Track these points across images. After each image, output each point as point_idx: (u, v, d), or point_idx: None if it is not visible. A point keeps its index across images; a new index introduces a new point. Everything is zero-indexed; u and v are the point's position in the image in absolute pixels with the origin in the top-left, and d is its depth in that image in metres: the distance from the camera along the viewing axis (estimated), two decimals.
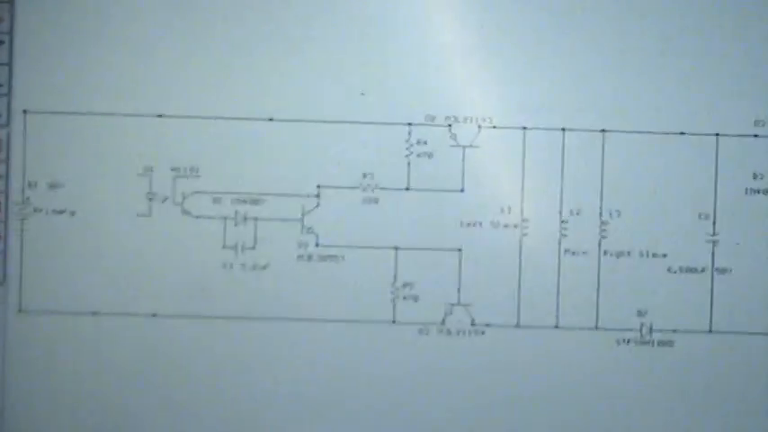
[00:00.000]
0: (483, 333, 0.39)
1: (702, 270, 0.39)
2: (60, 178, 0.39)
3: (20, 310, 0.39)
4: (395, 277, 0.39)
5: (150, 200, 0.39)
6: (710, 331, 0.39)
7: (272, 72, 0.39)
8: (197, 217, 0.39)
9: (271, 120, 0.39)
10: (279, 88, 0.39)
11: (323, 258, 0.39)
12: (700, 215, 0.39)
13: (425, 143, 0.39)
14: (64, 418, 0.39)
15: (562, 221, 0.39)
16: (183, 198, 0.39)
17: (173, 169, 0.39)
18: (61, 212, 0.39)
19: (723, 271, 0.39)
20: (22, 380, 0.39)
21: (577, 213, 0.39)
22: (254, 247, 0.39)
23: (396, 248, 0.39)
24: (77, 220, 0.39)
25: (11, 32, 0.39)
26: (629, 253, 0.39)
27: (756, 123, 0.39)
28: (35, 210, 0.39)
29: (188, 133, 0.39)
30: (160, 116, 0.39)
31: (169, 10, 0.39)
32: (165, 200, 0.39)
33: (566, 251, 0.39)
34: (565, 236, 0.39)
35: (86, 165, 0.39)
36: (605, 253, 0.39)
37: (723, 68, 0.39)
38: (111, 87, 0.39)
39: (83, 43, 0.39)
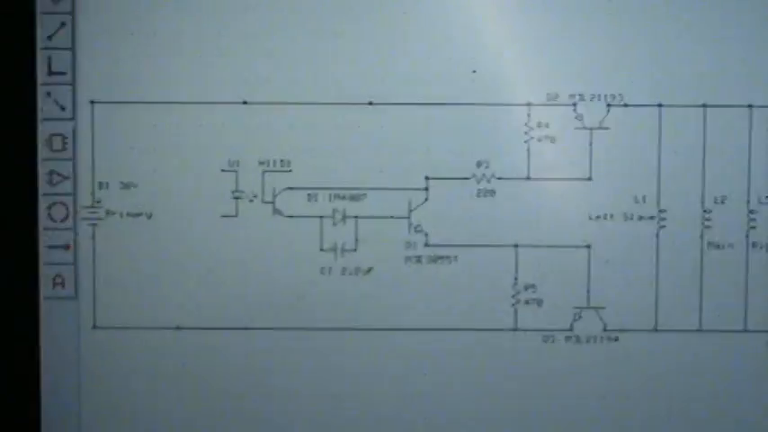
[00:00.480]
0: (616, 339, 0.35)
1: None
2: (134, 177, 0.34)
3: (94, 327, 0.35)
4: (515, 279, 0.35)
5: (236, 198, 0.34)
6: None
7: (371, 51, 0.34)
8: (290, 216, 0.34)
9: (370, 104, 0.34)
10: (379, 68, 0.34)
11: (433, 260, 0.34)
12: None
13: (547, 125, 0.34)
14: None
15: (705, 211, 0.34)
16: (274, 195, 0.34)
17: (261, 163, 0.34)
18: (137, 215, 0.34)
19: None
20: (99, 402, 0.35)
21: (722, 201, 0.34)
22: (355, 249, 0.34)
23: (516, 246, 0.34)
24: (155, 223, 0.34)
25: (72, 13, 0.34)
26: None
27: None
28: (107, 213, 0.35)
29: (277, 122, 0.34)
30: (245, 103, 0.34)
31: None
32: (253, 198, 0.34)
33: (709, 244, 0.35)
34: (708, 227, 0.34)
35: (163, 161, 0.34)
36: (754, 245, 0.35)
37: None
38: (189, 72, 0.34)
39: (156, 23, 0.34)
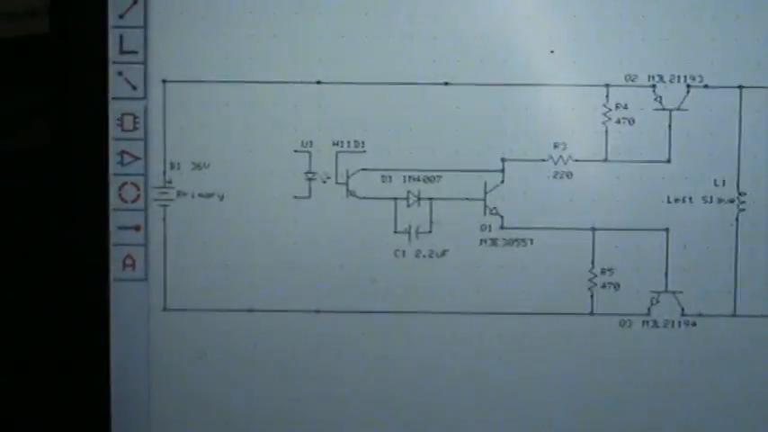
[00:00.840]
0: (695, 324, 0.34)
1: None
2: (206, 157, 0.34)
3: (164, 309, 0.34)
4: (592, 263, 0.34)
5: (310, 180, 0.34)
6: None
7: (445, 30, 0.34)
8: (364, 198, 0.34)
9: (446, 84, 0.34)
10: (454, 48, 0.34)
11: (509, 242, 0.34)
12: None
13: (626, 107, 0.34)
14: (217, 425, 0.35)
15: None
16: (348, 177, 0.34)
17: (335, 144, 0.34)
18: (209, 196, 0.34)
19: None
20: (169, 386, 0.34)
21: None
22: (430, 232, 0.34)
23: (593, 229, 0.34)
24: (227, 204, 0.34)
25: None
26: None
27: None
28: (179, 194, 0.34)
29: (351, 102, 0.34)
30: (319, 83, 0.34)
31: None
32: (326, 179, 0.34)
33: None
34: None
35: (235, 141, 0.34)
36: None
37: None
38: (262, 52, 0.34)
39: (228, 1, 0.34)
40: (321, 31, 0.34)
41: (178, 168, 0.34)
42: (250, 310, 0.34)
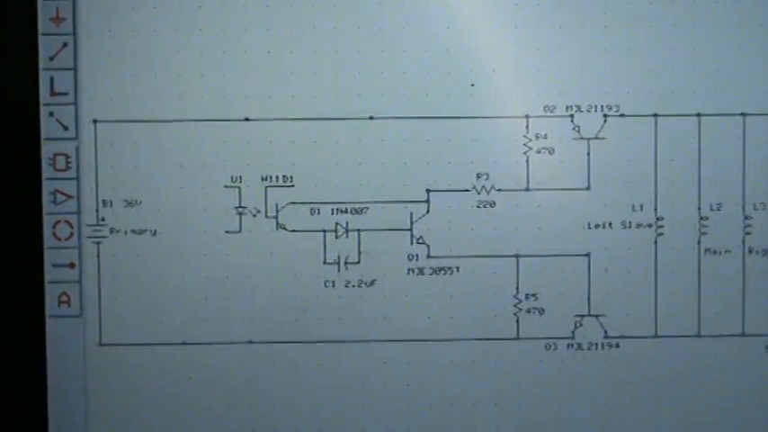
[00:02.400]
0: (617, 346, 0.36)
1: None
2: (138, 194, 0.35)
3: (100, 344, 0.35)
4: (517, 289, 0.35)
5: (240, 214, 0.35)
6: None
7: (371, 66, 0.35)
8: (293, 231, 0.35)
9: (371, 118, 0.35)
10: (379, 83, 0.35)
11: (436, 271, 0.35)
12: None
13: (545, 137, 0.35)
14: None
15: (701, 218, 0.35)
16: (277, 210, 0.35)
17: (263, 179, 0.35)
18: (141, 232, 0.35)
19: None
20: (106, 420, 0.35)
21: (718, 208, 0.35)
22: (358, 262, 0.35)
23: (517, 256, 0.35)
24: (159, 240, 0.35)
25: (74, 33, 0.35)
26: None
27: None
28: (112, 231, 0.35)
29: (279, 137, 0.35)
30: (247, 120, 0.35)
31: (257, 2, 0.35)
32: (256, 213, 0.35)
33: (706, 251, 0.36)
34: (705, 234, 0.35)
35: (166, 178, 0.35)
36: (750, 251, 0.36)
37: None
38: (190, 91, 0.35)
39: (156, 42, 0.35)
40: (248, 68, 0.35)
41: (110, 206, 0.35)
42: (184, 344, 0.35)
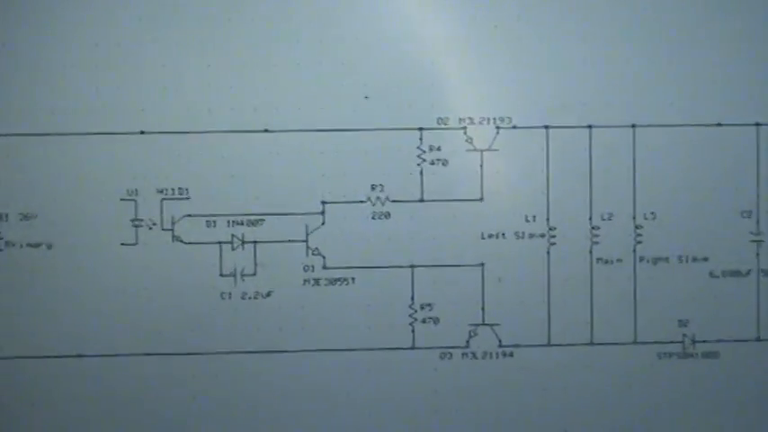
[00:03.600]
0: (511, 355, 0.36)
1: (747, 273, 0.36)
2: (33, 208, 0.35)
3: None
4: (412, 299, 0.36)
5: (136, 227, 0.35)
6: (759, 339, 0.36)
7: (265, 78, 0.36)
8: (189, 243, 0.36)
9: (266, 131, 0.36)
10: (273, 95, 0.36)
11: (331, 282, 0.36)
12: (742, 213, 0.36)
13: (439, 149, 0.36)
14: None
15: (593, 228, 0.36)
16: (173, 223, 0.35)
17: (159, 191, 0.35)
18: (36, 246, 0.35)
19: None
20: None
21: (609, 218, 0.36)
22: (254, 274, 0.36)
23: (412, 267, 0.36)
24: (55, 253, 0.35)
25: None
26: (667, 259, 0.36)
27: None
28: (7, 244, 0.35)
29: (174, 150, 0.36)
30: (143, 133, 0.35)
31: (151, 14, 0.35)
32: (152, 226, 0.35)
33: (598, 260, 0.36)
34: (596, 243, 0.36)
35: (62, 191, 0.35)
36: (641, 260, 0.36)
37: (762, 51, 0.36)
38: (85, 103, 0.35)
39: (46, 54, 0.35)
40: (143, 81, 0.35)
41: (6, 219, 0.35)
42: (80, 356, 0.36)
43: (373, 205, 0.36)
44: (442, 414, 0.36)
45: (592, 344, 0.36)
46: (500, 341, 0.36)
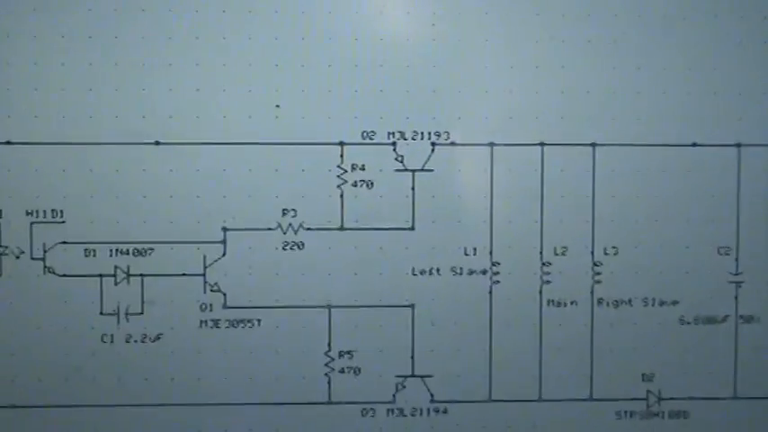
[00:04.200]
0: (445, 411, 0.32)
1: (724, 319, 0.32)
2: None
3: None
4: (329, 345, 0.31)
5: (0, 255, 0.30)
6: (735, 397, 0.32)
7: (155, 81, 0.30)
8: (64, 276, 0.30)
9: (157, 143, 0.30)
10: (167, 101, 0.30)
11: (233, 324, 0.31)
12: (719, 249, 0.32)
13: (363, 167, 0.31)
14: None
15: (543, 264, 0.31)
16: (45, 251, 0.30)
17: (28, 213, 0.30)
18: None
19: (750, 319, 0.32)
20: None
21: (563, 253, 0.31)
22: (141, 313, 0.30)
23: (329, 307, 0.31)
24: None
25: None
26: (630, 301, 0.32)
27: None
28: None
29: (47, 164, 0.30)
30: (8, 143, 0.30)
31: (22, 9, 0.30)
32: (20, 254, 0.30)
33: (549, 302, 0.32)
34: (548, 282, 0.31)
35: None
36: (600, 302, 0.32)
37: (742, 64, 0.31)
38: None
39: None
40: (11, 83, 0.30)
41: None
42: None
43: (284, 233, 0.31)
44: None
45: (540, 400, 0.32)
46: (432, 396, 0.31)
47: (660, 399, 0.32)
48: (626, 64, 0.31)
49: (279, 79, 0.30)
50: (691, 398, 0.32)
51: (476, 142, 0.31)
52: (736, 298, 0.31)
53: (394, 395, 0.31)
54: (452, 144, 0.31)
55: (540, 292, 0.31)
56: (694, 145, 0.31)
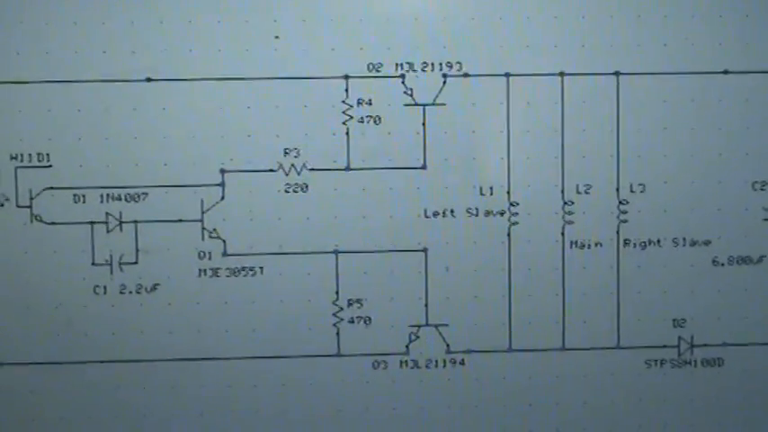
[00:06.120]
0: (462, 362, 0.30)
1: (759, 260, 0.30)
2: None
3: None
4: (337, 293, 0.30)
5: None
6: None
7: (145, 15, 0.28)
8: (52, 224, 0.29)
9: (149, 80, 0.29)
10: (159, 36, 0.28)
11: (234, 272, 0.29)
12: (753, 185, 0.30)
13: (370, 102, 0.29)
14: None
15: (565, 203, 0.30)
16: (31, 198, 0.29)
17: (13, 158, 0.29)
18: None
19: None
20: None
21: (586, 191, 0.30)
22: (136, 262, 0.29)
23: (336, 252, 0.29)
24: None
25: None
26: (658, 242, 0.30)
27: None
28: None
29: (31, 105, 0.28)
30: None
31: None
32: (4, 202, 0.29)
33: (572, 244, 0.30)
34: (570, 223, 0.30)
35: None
36: (626, 243, 0.30)
37: None
38: None
39: None
40: None
41: None
42: None
43: (287, 175, 0.29)
44: None
45: (564, 349, 0.30)
46: (448, 346, 0.30)
47: (692, 346, 0.30)
48: None
49: (277, 9, 0.29)
50: (725, 344, 0.30)
51: (490, 73, 0.29)
52: None
53: (407, 346, 0.30)
54: (465, 75, 0.29)
55: (563, 234, 0.30)
56: (726, 72, 0.29)
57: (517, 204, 0.29)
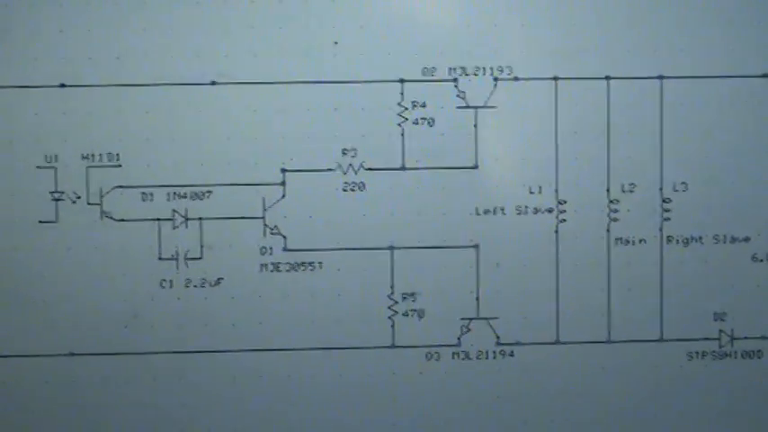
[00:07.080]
0: (512, 354, 0.31)
1: None
2: None
3: None
4: (392, 287, 0.31)
5: (56, 200, 0.30)
6: None
7: (213, 20, 0.30)
8: (121, 221, 0.30)
9: (213, 83, 0.30)
10: (223, 41, 0.30)
11: (294, 267, 0.31)
12: None
13: (424, 105, 0.30)
14: None
15: (611, 201, 0.31)
16: (102, 196, 0.30)
17: (84, 157, 0.30)
18: None
19: None
20: None
21: (631, 190, 0.31)
22: (201, 257, 0.30)
23: (391, 248, 0.31)
24: None
25: None
26: (700, 238, 0.31)
27: None
28: None
29: (103, 108, 0.30)
30: (63, 86, 0.30)
31: None
32: (76, 199, 0.30)
33: (617, 240, 0.31)
34: (615, 220, 0.31)
35: None
36: (669, 240, 0.31)
37: None
38: None
39: None
40: (63, 24, 0.30)
41: None
42: None
43: (345, 174, 0.30)
44: (428, 426, 0.31)
45: (609, 341, 0.31)
46: (498, 338, 0.31)
47: (733, 338, 0.31)
48: None
49: (336, 15, 0.30)
50: (764, 337, 0.31)
51: (539, 77, 0.30)
52: None
53: (459, 338, 0.31)
54: (515, 79, 0.30)
55: (608, 231, 0.31)
56: (765, 76, 0.30)
57: (565, 203, 0.31)
